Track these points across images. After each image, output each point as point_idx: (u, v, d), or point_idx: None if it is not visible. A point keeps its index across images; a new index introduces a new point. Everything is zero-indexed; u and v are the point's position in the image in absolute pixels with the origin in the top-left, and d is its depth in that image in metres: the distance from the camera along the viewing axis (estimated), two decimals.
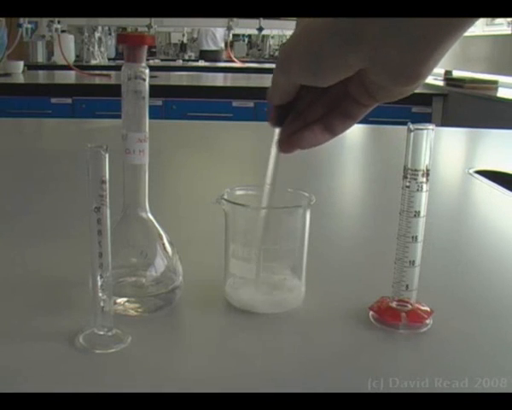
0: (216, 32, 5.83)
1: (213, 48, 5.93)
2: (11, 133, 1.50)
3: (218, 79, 3.83)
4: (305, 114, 0.42)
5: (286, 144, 0.43)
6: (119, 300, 0.45)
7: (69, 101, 2.74)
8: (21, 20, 3.63)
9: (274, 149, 0.44)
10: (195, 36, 6.30)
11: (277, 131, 0.43)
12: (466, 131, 1.70)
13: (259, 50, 6.86)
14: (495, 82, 2.76)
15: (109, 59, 4.83)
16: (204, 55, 5.70)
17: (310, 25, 0.36)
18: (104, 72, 3.30)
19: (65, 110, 2.69)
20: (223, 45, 5.94)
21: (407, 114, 2.59)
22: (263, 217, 0.45)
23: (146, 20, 3.92)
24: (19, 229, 0.66)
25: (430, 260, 0.47)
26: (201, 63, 5.07)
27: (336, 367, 0.40)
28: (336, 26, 0.34)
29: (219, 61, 5.46)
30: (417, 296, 0.45)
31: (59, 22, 3.77)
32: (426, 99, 2.77)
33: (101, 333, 0.41)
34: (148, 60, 0.49)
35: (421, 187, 0.42)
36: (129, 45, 0.43)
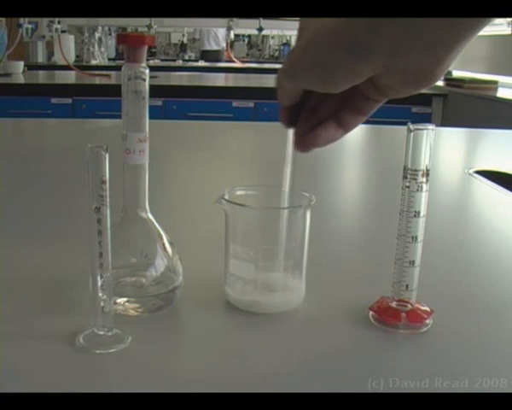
0: (218, 31, 5.82)
1: (215, 48, 5.92)
2: (11, 133, 1.50)
3: (219, 80, 3.83)
4: (317, 111, 0.42)
5: (302, 144, 0.43)
6: (119, 300, 0.45)
7: (69, 101, 2.74)
8: (21, 20, 3.62)
9: (289, 152, 0.44)
10: (197, 36, 6.28)
11: (291, 131, 0.43)
12: (466, 131, 1.70)
13: (259, 50, 6.85)
14: (495, 82, 2.76)
15: (109, 59, 4.83)
16: (205, 54, 5.69)
17: (318, 33, 0.35)
18: (104, 72, 3.30)
19: (65, 110, 2.69)
20: (225, 45, 5.94)
21: (407, 114, 2.59)
22: (277, 217, 0.45)
23: (146, 20, 3.91)
24: (19, 229, 0.66)
25: (430, 260, 0.47)
26: (201, 63, 5.07)
27: (336, 367, 0.40)
28: (349, 36, 0.34)
29: (220, 60, 5.45)
30: (417, 296, 0.45)
31: (59, 22, 3.77)
32: (426, 99, 2.77)
33: (101, 333, 0.41)
34: (148, 60, 0.49)
35: (421, 187, 0.42)
36: (129, 45, 0.43)
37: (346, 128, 0.42)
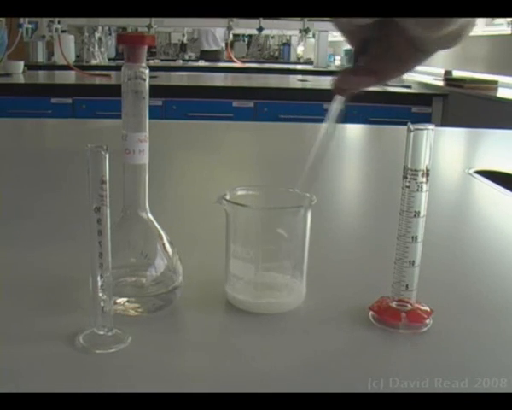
0: (216, 32, 5.82)
1: (214, 48, 5.92)
2: (11, 133, 1.50)
3: (219, 79, 3.83)
4: (361, 56, 0.42)
5: (340, 86, 0.43)
6: (119, 300, 0.45)
7: (69, 101, 2.74)
8: (21, 20, 3.62)
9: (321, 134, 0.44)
10: (196, 36, 6.29)
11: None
12: (466, 131, 1.70)
13: (259, 50, 6.85)
14: (495, 82, 2.76)
15: (109, 59, 4.82)
16: (204, 55, 5.70)
17: None
18: (104, 72, 3.30)
19: (65, 110, 2.69)
20: (223, 45, 5.94)
21: (407, 114, 2.59)
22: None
23: (146, 20, 3.91)
24: (18, 229, 0.66)
25: (430, 260, 0.47)
26: (201, 63, 5.07)
27: (336, 367, 0.40)
28: None
29: (219, 60, 5.46)
30: (417, 296, 0.45)
31: (59, 22, 3.77)
32: (426, 99, 2.77)
33: (101, 333, 0.41)
34: (148, 60, 0.49)
35: (421, 187, 0.42)
36: (129, 45, 0.43)
37: (382, 77, 0.42)
